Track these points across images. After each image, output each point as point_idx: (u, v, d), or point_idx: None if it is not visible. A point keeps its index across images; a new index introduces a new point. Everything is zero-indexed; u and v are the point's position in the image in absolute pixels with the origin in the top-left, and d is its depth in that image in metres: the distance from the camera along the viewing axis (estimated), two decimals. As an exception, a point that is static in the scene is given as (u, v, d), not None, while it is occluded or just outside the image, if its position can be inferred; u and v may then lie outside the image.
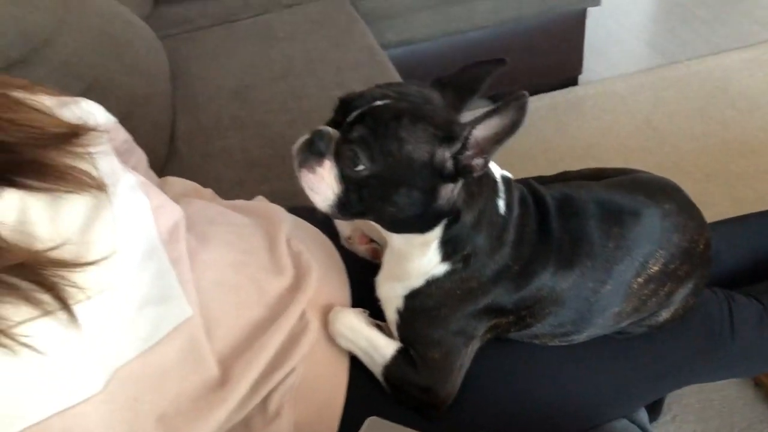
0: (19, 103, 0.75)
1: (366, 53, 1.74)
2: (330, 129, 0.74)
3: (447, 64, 2.20)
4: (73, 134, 0.77)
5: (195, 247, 0.80)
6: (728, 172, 2.07)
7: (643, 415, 1.01)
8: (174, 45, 1.82)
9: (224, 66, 1.75)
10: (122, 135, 0.98)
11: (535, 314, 0.84)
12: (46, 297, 0.63)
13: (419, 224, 0.77)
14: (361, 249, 0.98)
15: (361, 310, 0.87)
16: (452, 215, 0.77)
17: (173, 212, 0.81)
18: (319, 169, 0.74)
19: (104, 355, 0.69)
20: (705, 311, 0.98)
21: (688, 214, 0.90)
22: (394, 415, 0.74)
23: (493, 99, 2.43)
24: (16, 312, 0.61)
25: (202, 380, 0.75)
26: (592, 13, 2.35)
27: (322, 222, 0.94)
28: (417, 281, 0.81)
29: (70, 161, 0.73)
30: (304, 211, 0.95)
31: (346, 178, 0.73)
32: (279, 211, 0.96)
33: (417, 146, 0.70)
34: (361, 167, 0.71)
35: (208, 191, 1.10)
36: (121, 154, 0.91)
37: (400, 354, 0.83)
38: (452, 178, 0.73)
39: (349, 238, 0.98)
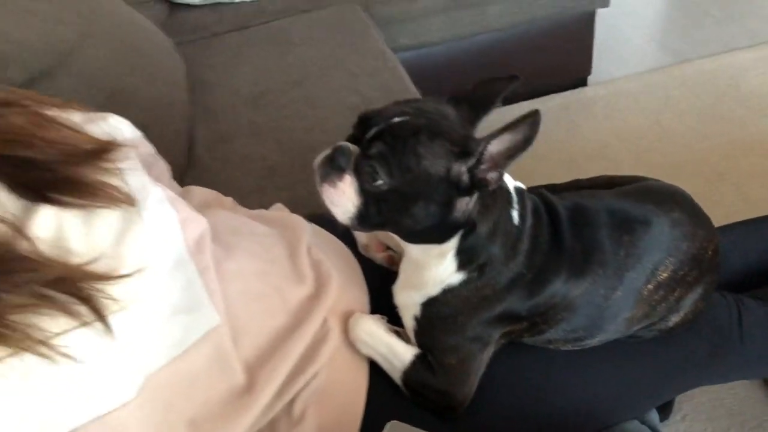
0: (52, 121, 0.79)
1: (380, 59, 1.77)
2: (350, 145, 0.77)
3: (458, 67, 2.25)
4: (103, 150, 0.80)
5: (220, 258, 0.84)
6: (739, 171, 2.08)
7: (653, 416, 1.03)
8: (190, 51, 1.86)
9: (240, 72, 1.78)
10: (147, 148, 1.01)
11: (548, 320, 0.87)
12: (82, 309, 0.66)
13: (436, 235, 0.80)
14: (378, 257, 1.01)
15: (379, 316, 0.91)
16: (468, 226, 0.80)
17: (199, 224, 0.85)
18: (339, 184, 0.77)
19: (137, 362, 0.72)
20: (714, 315, 1.00)
21: (697, 221, 0.92)
22: (412, 418, 0.77)
23: (504, 101, 2.45)
24: (55, 323, 0.64)
25: (230, 386, 0.78)
26: (601, 13, 2.35)
27: (340, 230, 0.97)
28: (434, 289, 0.84)
29: (101, 177, 0.76)
30: (323, 219, 0.98)
31: (365, 192, 0.76)
32: (299, 221, 0.99)
33: (434, 161, 0.73)
34: (380, 182, 0.75)
35: (229, 200, 1.13)
36: (147, 167, 0.94)
37: (418, 359, 0.86)
38: (468, 192, 0.76)
39: (367, 246, 1.01)
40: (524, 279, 0.84)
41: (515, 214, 0.83)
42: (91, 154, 0.78)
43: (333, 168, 0.77)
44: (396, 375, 0.88)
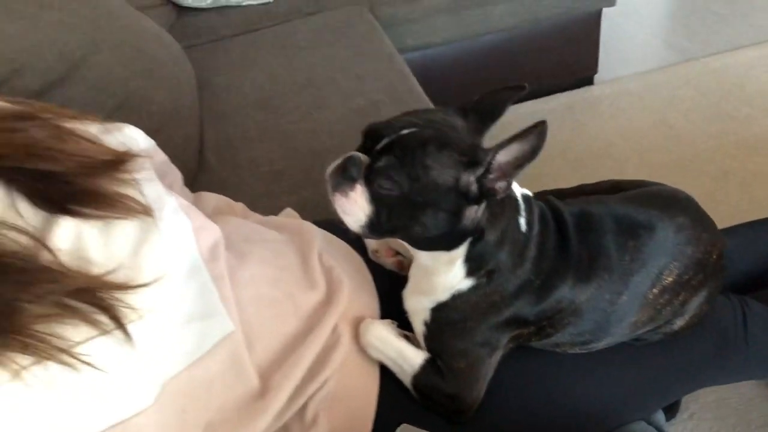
0: (71, 133, 0.81)
1: (386, 61, 1.79)
2: (361, 155, 0.79)
3: (464, 67, 2.26)
4: (120, 161, 0.82)
5: (234, 265, 0.86)
6: (745, 170, 2.08)
7: (659, 417, 1.05)
8: (198, 55, 1.87)
9: (248, 76, 1.80)
10: (160, 156, 1.03)
11: (556, 324, 0.88)
12: (103, 318, 0.67)
13: (445, 243, 0.82)
14: (388, 262, 1.02)
15: (390, 321, 0.92)
16: (477, 234, 0.82)
17: (213, 232, 0.86)
18: (351, 194, 0.79)
19: (155, 369, 0.74)
20: (719, 317, 1.01)
21: (702, 226, 0.94)
22: (422, 421, 0.79)
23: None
24: (77, 332, 0.66)
25: (244, 391, 0.80)
26: (607, 11, 2.36)
27: (351, 236, 0.99)
28: (443, 295, 0.86)
29: (119, 188, 0.78)
30: (333, 224, 1.00)
31: (376, 202, 0.78)
32: (310, 227, 1.01)
33: (443, 172, 0.75)
34: (390, 192, 0.76)
35: (240, 205, 1.15)
36: (161, 176, 0.96)
37: (428, 364, 0.88)
38: (477, 200, 0.78)
39: (376, 251, 1.03)
40: (532, 285, 0.85)
41: (523, 222, 0.85)
42: (108, 165, 0.80)
43: (344, 178, 0.79)
44: (406, 379, 0.89)
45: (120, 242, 0.74)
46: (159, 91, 1.51)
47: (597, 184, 1.06)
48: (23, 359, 0.62)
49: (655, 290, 0.89)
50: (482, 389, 0.89)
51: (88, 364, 0.66)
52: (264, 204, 1.34)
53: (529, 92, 2.36)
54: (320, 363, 0.85)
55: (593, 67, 2.48)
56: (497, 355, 0.90)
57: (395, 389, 0.90)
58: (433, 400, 0.89)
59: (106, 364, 0.67)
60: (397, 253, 1.03)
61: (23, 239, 0.67)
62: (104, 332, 0.68)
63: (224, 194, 1.18)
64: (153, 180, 0.84)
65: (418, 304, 0.89)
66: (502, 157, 0.75)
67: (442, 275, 0.85)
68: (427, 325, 0.88)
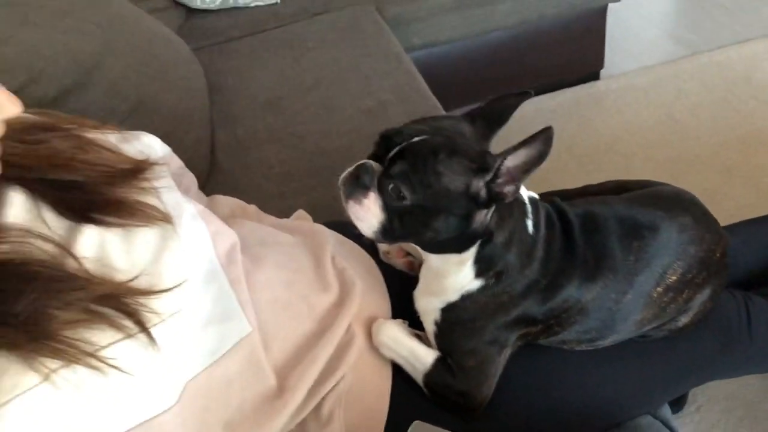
0: (92, 143, 0.83)
1: (393, 61, 1.80)
2: (373, 163, 0.82)
3: (471, 64, 2.28)
4: (139, 170, 0.85)
5: (249, 268, 0.88)
6: (751, 164, 2.09)
7: (666, 411, 1.07)
8: (207, 57, 1.90)
9: (257, 77, 1.82)
10: (176, 162, 1.06)
11: (563, 323, 0.91)
12: (128, 322, 0.70)
13: (456, 246, 0.85)
14: (399, 263, 1.05)
15: (401, 321, 0.95)
16: (486, 236, 0.84)
17: (229, 237, 0.89)
18: (365, 201, 0.81)
19: (176, 370, 0.76)
20: (723, 313, 1.03)
21: (705, 225, 0.96)
22: (434, 418, 0.81)
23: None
24: (103, 336, 0.69)
25: (262, 390, 0.82)
26: (612, 6, 2.37)
27: (361, 237, 1.02)
28: (453, 296, 0.88)
29: (139, 197, 0.81)
30: (344, 226, 1.02)
31: (389, 209, 0.81)
32: (322, 230, 1.03)
33: (454, 178, 0.78)
34: (403, 199, 0.79)
35: (253, 208, 1.17)
36: (177, 181, 0.99)
37: (439, 362, 0.91)
38: (486, 205, 0.80)
39: (387, 252, 1.06)
40: (539, 285, 0.88)
41: (530, 224, 0.88)
42: (128, 173, 0.83)
43: (358, 185, 0.82)
44: (418, 377, 0.92)
45: (141, 249, 0.77)
46: (171, 95, 1.53)
47: (602, 184, 1.08)
48: (52, 363, 0.65)
49: (659, 289, 0.91)
50: (492, 386, 0.92)
51: (115, 367, 0.68)
52: (275, 205, 1.36)
53: (535, 88, 2.39)
54: (335, 362, 0.88)
55: (599, 63, 2.49)
56: (506, 353, 0.92)
57: (407, 387, 0.93)
58: (444, 397, 0.91)
59: (131, 366, 0.70)
60: (408, 253, 1.05)
61: (50, 247, 0.70)
62: (129, 336, 0.70)
63: (235, 195, 1.21)
64: (171, 187, 0.87)
65: (429, 305, 0.92)
66: (510, 162, 0.77)
67: (452, 276, 0.87)
68: (437, 324, 0.91)
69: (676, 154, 2.17)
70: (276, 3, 2.12)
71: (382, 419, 0.91)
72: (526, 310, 0.89)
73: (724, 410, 1.49)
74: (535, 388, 0.96)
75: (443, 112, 1.63)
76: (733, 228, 1.18)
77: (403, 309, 0.98)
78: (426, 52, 2.19)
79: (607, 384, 0.97)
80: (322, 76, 1.78)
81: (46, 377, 0.65)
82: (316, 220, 1.19)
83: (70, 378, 0.66)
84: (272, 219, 1.13)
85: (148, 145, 0.94)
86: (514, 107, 0.85)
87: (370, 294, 0.98)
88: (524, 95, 0.85)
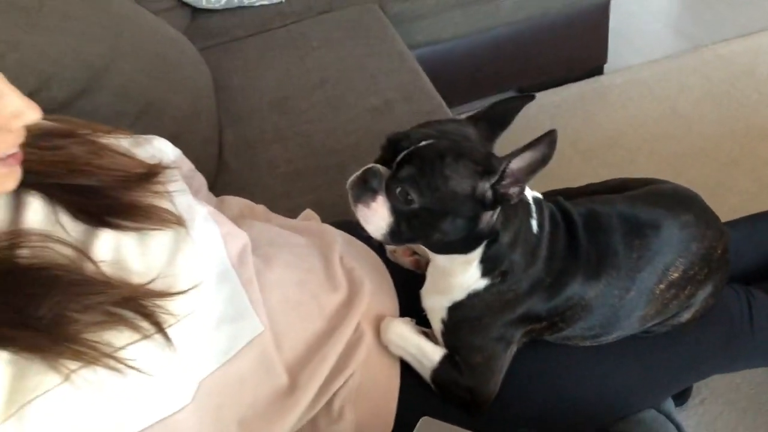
0: (106, 149, 0.85)
1: (397, 59, 1.82)
2: (380, 167, 0.83)
3: (475, 61, 2.29)
4: (152, 174, 0.87)
5: (260, 269, 0.90)
6: (754, 156, 2.10)
7: (669, 404, 1.09)
8: (213, 57, 1.91)
9: (263, 77, 1.84)
10: (187, 164, 1.08)
11: (567, 320, 0.93)
12: (145, 324, 0.72)
13: (462, 246, 0.87)
14: (406, 261, 1.07)
15: (409, 319, 0.97)
16: (492, 237, 0.86)
17: (240, 238, 0.91)
18: (373, 204, 0.83)
19: (191, 369, 0.78)
20: (725, 308, 1.05)
21: (706, 222, 0.97)
22: (442, 413, 0.83)
23: (521, 92, 2.49)
24: (121, 337, 0.71)
25: (274, 387, 0.85)
26: (615, 0, 2.37)
27: (369, 237, 1.04)
28: (459, 295, 0.90)
29: (153, 201, 0.83)
30: (351, 225, 1.04)
31: (397, 212, 0.83)
32: (330, 231, 1.05)
33: (460, 181, 0.80)
34: (411, 202, 0.81)
35: (261, 207, 1.19)
36: (188, 183, 1.01)
37: (446, 359, 0.93)
38: (492, 206, 0.82)
39: (394, 251, 1.08)
40: (543, 283, 0.90)
41: (534, 223, 0.89)
42: (142, 178, 0.85)
43: (366, 189, 0.83)
44: (426, 374, 0.94)
45: (156, 252, 0.79)
46: (179, 96, 1.55)
47: (604, 182, 1.10)
48: (73, 363, 0.67)
49: (661, 285, 0.93)
50: (498, 382, 0.94)
51: (134, 368, 0.71)
52: (283, 204, 1.38)
53: (539, 83, 2.39)
54: (345, 360, 0.90)
55: (603, 57, 2.50)
56: (512, 350, 0.94)
57: (415, 383, 0.95)
58: (451, 393, 0.93)
59: (149, 366, 0.72)
60: (414, 252, 1.08)
61: (68, 252, 0.72)
62: (145, 337, 0.72)
63: (243, 195, 1.23)
64: (184, 191, 0.89)
65: (436, 303, 0.94)
66: (515, 164, 0.79)
67: (458, 276, 0.89)
68: (444, 322, 0.93)
69: (680, 148, 2.18)
70: (281, 2, 2.13)
71: (391, 415, 0.93)
72: (531, 307, 0.91)
73: (728, 402, 1.51)
74: (540, 384, 0.98)
75: (447, 110, 1.64)
76: (735, 223, 1.20)
77: (411, 307, 1.00)
78: (429, 49, 2.21)
79: (611, 379, 0.99)
80: (328, 75, 1.79)
81: (67, 377, 0.67)
82: (323, 218, 1.21)
83: (90, 378, 0.68)
84: (281, 219, 1.15)
85: (160, 149, 0.96)
86: (517, 110, 0.87)
87: (378, 293, 1.00)
88: (527, 98, 0.87)
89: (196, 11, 2.16)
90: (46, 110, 0.70)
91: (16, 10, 1.34)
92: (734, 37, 2.59)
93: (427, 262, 0.99)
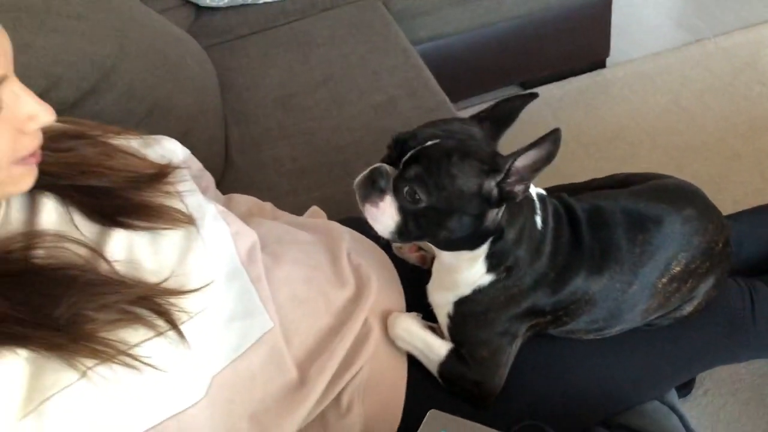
0: (117, 150, 0.87)
1: (401, 56, 1.83)
2: (387, 167, 0.85)
3: (478, 56, 2.30)
4: (162, 174, 0.89)
5: (269, 266, 0.92)
6: (757, 149, 2.10)
7: (672, 395, 1.10)
8: (217, 55, 1.92)
9: (267, 75, 1.85)
10: (196, 164, 1.09)
11: (571, 314, 0.94)
12: (159, 321, 0.74)
13: (469, 243, 0.88)
14: (412, 257, 1.09)
15: (415, 314, 0.99)
16: (497, 233, 0.88)
17: (249, 236, 0.93)
18: (381, 204, 0.85)
19: (203, 365, 0.80)
20: (727, 300, 1.06)
21: (708, 217, 0.99)
22: (449, 406, 0.85)
23: (524, 86, 2.50)
24: (136, 335, 0.73)
25: (284, 382, 0.86)
26: (618, -6, 2.38)
27: (376, 234, 1.06)
28: (465, 290, 0.92)
29: (164, 201, 0.85)
30: (358, 222, 1.06)
31: (405, 211, 0.84)
32: (337, 228, 1.07)
33: (467, 180, 0.81)
34: (418, 201, 0.82)
35: (268, 205, 1.21)
36: (197, 182, 1.02)
37: (453, 353, 0.94)
38: (497, 204, 0.84)
39: (400, 247, 1.09)
40: (548, 278, 0.91)
41: (538, 220, 0.91)
42: (152, 178, 0.87)
43: (373, 189, 0.85)
44: (433, 368, 0.96)
45: (167, 251, 0.81)
46: (185, 95, 1.56)
47: (607, 177, 1.11)
48: (90, 361, 0.69)
49: (663, 279, 0.95)
50: (504, 375, 0.95)
51: (149, 365, 0.72)
52: (289, 201, 1.40)
53: (541, 77, 2.39)
54: (353, 354, 0.92)
55: (605, 51, 2.49)
56: (517, 343, 0.96)
57: (422, 377, 0.97)
58: (458, 386, 0.95)
59: (164, 363, 0.74)
60: (420, 248, 1.09)
61: (83, 252, 0.74)
62: (159, 334, 0.74)
63: (250, 193, 1.24)
64: (193, 190, 0.91)
65: (442, 299, 0.95)
66: (520, 162, 0.81)
67: (464, 272, 0.91)
68: (450, 317, 0.95)
69: (683, 141, 2.18)
70: (284, -1, 2.14)
71: (399, 408, 0.95)
72: (535, 302, 0.92)
73: (731, 393, 1.52)
74: (545, 376, 1.00)
75: (451, 106, 1.65)
76: (737, 216, 1.21)
77: (417, 302, 1.01)
78: (432, 44, 2.21)
79: (615, 371, 1.01)
80: (332, 73, 1.80)
81: (84, 374, 0.69)
82: (329, 214, 1.23)
83: (107, 375, 0.70)
84: (288, 216, 1.16)
85: (170, 150, 0.97)
86: (521, 108, 0.88)
87: (385, 288, 1.01)
88: (530, 97, 0.88)
89: (200, 9, 2.16)
90: (56, 111, 0.72)
91: (23, 11, 1.35)
92: (737, 30, 2.59)
93: (433, 258, 1.00)
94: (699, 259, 0.96)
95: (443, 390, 0.97)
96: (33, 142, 0.71)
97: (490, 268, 0.90)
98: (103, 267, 0.75)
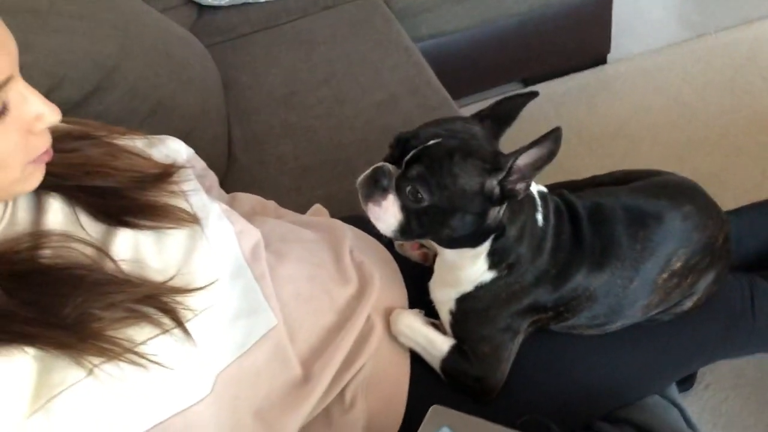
0: (122, 150, 0.88)
1: (402, 54, 1.83)
2: (390, 166, 0.86)
3: (479, 53, 2.30)
4: (167, 173, 0.90)
5: (273, 264, 0.93)
6: (759, 144, 2.10)
7: (673, 390, 1.11)
8: (220, 54, 1.93)
9: (269, 73, 1.85)
10: (200, 163, 1.10)
11: (572, 309, 0.95)
12: (166, 319, 0.75)
13: (471, 241, 0.89)
14: (414, 254, 1.10)
15: (418, 310, 1.00)
16: (499, 231, 0.89)
17: (253, 235, 0.94)
18: (384, 203, 0.86)
19: (209, 362, 0.81)
20: (727, 295, 1.07)
21: (708, 213, 0.99)
22: (450, 401, 0.86)
23: (525, 82, 2.50)
24: (142, 333, 0.74)
25: (289, 379, 0.87)
26: (619, -11, 2.38)
27: (378, 232, 1.07)
28: (467, 287, 0.93)
29: (169, 200, 0.86)
30: (361, 220, 1.06)
31: (407, 209, 0.85)
32: (340, 226, 1.08)
33: (469, 179, 0.82)
34: (421, 201, 0.83)
35: (272, 204, 1.22)
36: (201, 182, 1.03)
37: (455, 349, 0.95)
38: (499, 202, 0.85)
39: (402, 245, 1.10)
40: (549, 274, 0.92)
41: (540, 217, 0.92)
42: (157, 177, 0.88)
43: (376, 188, 0.86)
44: (435, 363, 0.97)
45: (172, 250, 0.82)
46: (188, 94, 1.57)
47: (608, 174, 1.12)
48: (97, 359, 0.70)
49: (664, 275, 0.95)
50: (506, 371, 0.96)
51: (156, 362, 0.73)
52: (292, 199, 1.41)
53: (542, 74, 2.39)
54: (356, 351, 0.92)
55: (606, 47, 2.49)
56: (518, 339, 0.97)
57: (425, 373, 0.98)
58: (460, 382, 0.96)
59: (170, 360, 0.75)
60: (422, 245, 1.10)
61: (90, 251, 0.75)
62: (165, 331, 0.75)
63: (253, 191, 1.25)
64: (198, 190, 0.92)
65: (444, 295, 0.96)
66: (521, 161, 0.81)
67: (466, 269, 0.92)
68: (452, 314, 0.96)
69: (684, 136, 2.19)
70: (285, -3, 2.15)
71: (402, 404, 0.96)
72: (537, 298, 0.93)
73: (732, 387, 1.53)
74: (546, 372, 1.01)
75: (453, 104, 1.66)
76: (738, 211, 1.22)
77: (419, 299, 1.02)
78: (434, 42, 2.21)
79: (616, 366, 1.02)
80: (334, 71, 1.81)
81: (90, 372, 0.70)
82: (332, 212, 1.23)
83: (113, 372, 0.71)
84: (291, 215, 1.17)
85: (174, 150, 0.98)
86: (521, 107, 0.89)
87: (387, 285, 1.02)
88: (530, 95, 0.89)
89: (202, 8, 2.17)
90: (60, 111, 0.73)
91: (26, 12, 1.36)
92: (738, 25, 2.59)
93: (435, 255, 1.01)
94: (699, 254, 0.97)
95: (445, 386, 0.98)
96: (44, 141, 0.71)
97: (492, 265, 0.91)
98: (110, 266, 0.75)
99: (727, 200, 1.07)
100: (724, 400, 1.52)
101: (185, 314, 0.77)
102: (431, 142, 0.83)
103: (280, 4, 2.13)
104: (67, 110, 0.76)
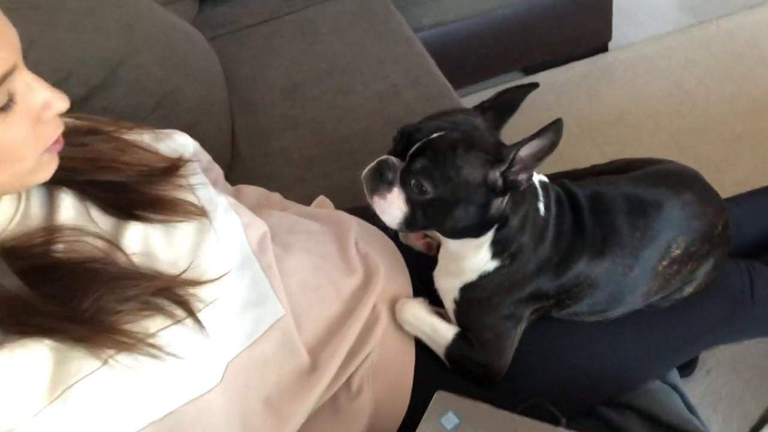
0: (131, 144, 0.90)
1: (404, 45, 1.84)
2: (394, 159, 0.87)
3: (480, 42, 2.31)
4: (174, 167, 0.91)
5: (280, 255, 0.95)
6: (759, 131, 2.11)
7: (674, 375, 1.13)
8: (222, 46, 1.93)
9: (272, 65, 1.86)
10: (205, 157, 1.12)
11: (574, 297, 0.97)
12: (179, 311, 0.77)
13: (474, 231, 0.91)
14: (418, 244, 1.12)
15: (422, 299, 1.02)
16: (502, 221, 0.91)
17: (260, 227, 0.96)
18: (389, 196, 0.87)
19: (220, 351, 0.83)
20: (727, 281, 1.09)
21: (707, 200, 1.01)
22: (455, 387, 0.88)
23: (526, 71, 2.51)
24: (155, 324, 0.75)
25: (297, 367, 0.89)
26: (619, -24, 2.38)
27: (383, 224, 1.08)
28: (471, 276, 0.95)
29: (177, 194, 0.87)
30: (365, 211, 1.08)
31: (412, 202, 0.87)
32: (345, 217, 1.10)
33: (472, 171, 0.84)
34: (425, 193, 0.85)
35: (277, 196, 1.24)
36: (206, 175, 1.05)
37: (459, 337, 0.97)
38: (502, 192, 0.87)
39: (407, 235, 1.12)
40: (551, 263, 0.94)
41: (541, 206, 0.93)
42: (165, 171, 0.89)
43: (381, 181, 0.88)
44: (440, 351, 0.99)
45: (181, 243, 0.83)
46: (192, 87, 1.58)
47: (609, 163, 1.13)
48: (112, 351, 0.72)
49: (664, 262, 0.97)
50: (509, 357, 0.98)
51: (170, 353, 0.75)
52: (297, 190, 1.42)
53: (543, 62, 2.40)
54: (362, 340, 0.94)
55: (607, 35, 2.49)
56: (521, 326, 0.99)
57: (430, 360, 1.00)
58: (465, 368, 0.98)
59: (182, 350, 0.77)
60: (426, 235, 1.12)
61: (101, 244, 0.77)
62: (177, 322, 0.77)
63: (257, 183, 1.26)
64: (205, 183, 0.94)
65: (448, 285, 0.98)
66: (524, 152, 0.83)
67: (470, 259, 0.94)
68: (456, 302, 0.98)
69: (685, 124, 2.19)
70: (287, -11, 2.15)
71: (407, 390, 0.98)
72: (539, 286, 0.95)
73: (733, 372, 1.55)
74: (549, 358, 1.03)
75: (454, 94, 1.67)
76: (737, 198, 1.23)
77: (424, 288, 1.04)
78: (435, 31, 2.22)
79: (617, 352, 1.04)
80: (336, 62, 1.81)
81: (105, 362, 0.72)
82: (336, 203, 1.25)
83: (128, 362, 0.73)
84: (296, 207, 1.19)
85: (181, 144, 1.00)
86: (522, 98, 0.90)
87: (392, 275, 1.04)
88: (531, 86, 0.90)
89: (204, 1, 2.18)
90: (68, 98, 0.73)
91: (31, 8, 1.37)
92: (739, 11, 2.58)
93: (439, 245, 1.03)
94: (698, 242, 0.98)
95: (450, 372, 0.99)
96: (55, 129, 0.73)
97: (495, 255, 0.93)
98: (122, 259, 0.77)
99: (728, 187, 1.09)
100: (724, 384, 1.54)
101: (197, 305, 0.79)
102: (435, 135, 0.85)
103: (281, -4, 2.13)
104: (73, 106, 0.77)
